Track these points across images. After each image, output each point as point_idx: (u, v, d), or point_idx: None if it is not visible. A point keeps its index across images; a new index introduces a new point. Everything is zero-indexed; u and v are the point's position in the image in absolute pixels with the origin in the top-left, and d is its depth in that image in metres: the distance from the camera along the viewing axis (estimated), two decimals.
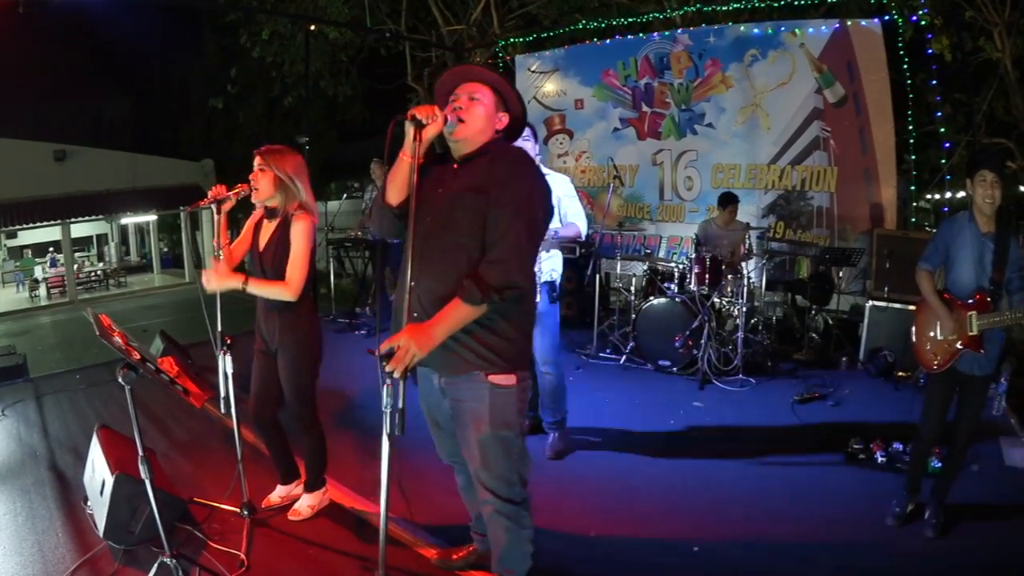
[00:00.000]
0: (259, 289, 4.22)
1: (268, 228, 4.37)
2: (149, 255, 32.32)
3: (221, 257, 4.34)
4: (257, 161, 4.26)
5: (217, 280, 4.17)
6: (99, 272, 28.26)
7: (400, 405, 2.79)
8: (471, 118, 3.14)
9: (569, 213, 5.66)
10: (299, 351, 4.34)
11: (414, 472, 5.04)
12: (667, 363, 7.95)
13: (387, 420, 2.79)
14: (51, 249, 26.93)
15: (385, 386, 2.79)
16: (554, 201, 5.50)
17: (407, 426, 2.78)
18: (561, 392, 5.71)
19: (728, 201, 8.88)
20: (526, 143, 5.48)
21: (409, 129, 2.96)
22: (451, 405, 3.28)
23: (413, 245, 3.00)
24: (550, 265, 5.63)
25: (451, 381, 3.22)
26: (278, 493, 4.79)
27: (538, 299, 5.34)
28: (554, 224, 5.55)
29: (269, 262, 4.28)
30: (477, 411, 3.17)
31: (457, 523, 4.16)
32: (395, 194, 3.21)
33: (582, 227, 5.66)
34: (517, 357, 3.22)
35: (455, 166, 3.23)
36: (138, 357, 3.50)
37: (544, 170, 5.57)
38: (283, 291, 4.20)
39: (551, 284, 5.65)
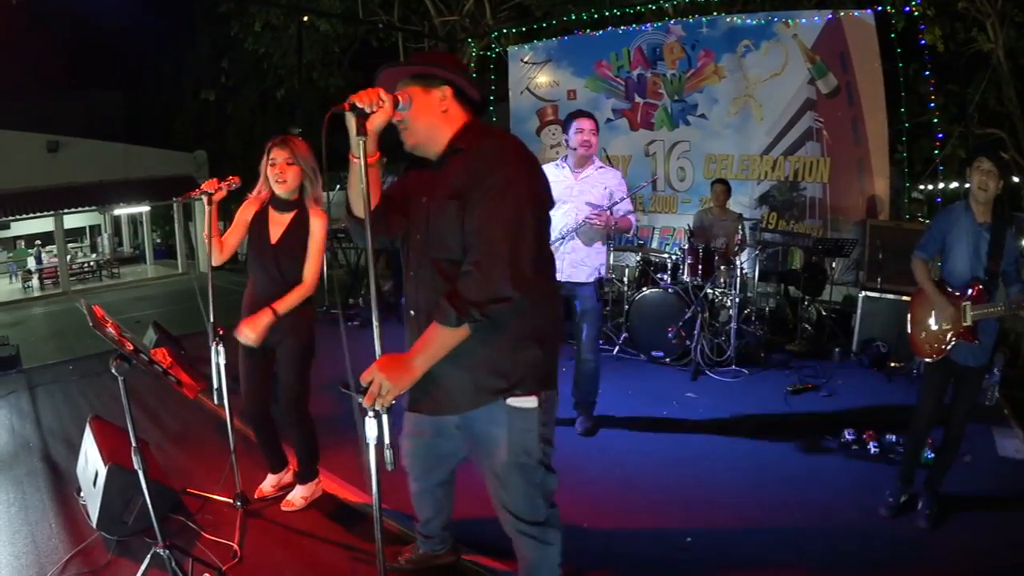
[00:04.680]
0: (287, 305, 4.21)
1: (280, 221, 4.32)
2: (142, 246, 32.21)
3: (211, 248, 4.34)
4: (283, 155, 4.21)
5: (252, 330, 4.15)
6: (92, 263, 28.18)
7: (387, 440, 2.48)
8: (408, 122, 2.75)
9: (623, 207, 5.74)
10: (302, 346, 4.35)
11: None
12: (660, 354, 7.97)
13: (370, 454, 2.49)
14: (38, 242, 26.83)
15: (366, 419, 2.47)
16: (604, 193, 5.60)
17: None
18: (597, 378, 5.98)
19: (715, 182, 9.13)
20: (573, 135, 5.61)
21: (350, 120, 2.49)
22: (460, 424, 2.97)
23: (407, 269, 2.86)
24: (598, 260, 5.78)
25: None
26: (269, 482, 4.79)
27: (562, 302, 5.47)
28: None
29: (286, 255, 4.26)
30: (493, 435, 2.86)
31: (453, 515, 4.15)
32: (359, 204, 2.73)
33: (633, 219, 5.83)
34: (540, 376, 2.84)
35: (436, 169, 2.84)
36: (131, 348, 3.49)
37: (599, 163, 5.69)
38: (304, 293, 4.25)
39: (599, 281, 5.86)
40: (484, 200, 2.58)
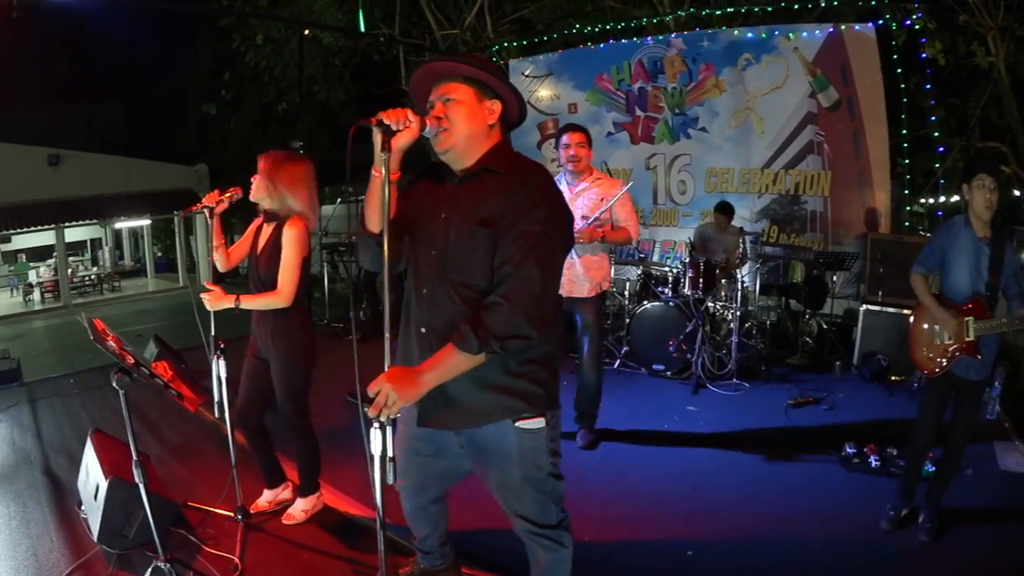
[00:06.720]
0: (251, 303, 4.25)
1: (266, 232, 4.40)
2: (143, 259, 32.23)
3: (215, 258, 4.40)
4: (259, 166, 4.28)
5: (214, 301, 4.21)
6: (93, 276, 28.16)
7: (391, 454, 2.46)
8: (451, 124, 2.69)
9: (620, 218, 5.74)
10: (291, 357, 4.34)
11: None
12: (661, 367, 7.97)
13: (375, 467, 2.47)
14: (55, 253, 26.82)
15: (371, 430, 2.46)
16: (603, 205, 5.59)
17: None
18: (599, 392, 5.97)
19: (724, 210, 9.00)
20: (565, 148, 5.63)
21: (376, 136, 2.48)
22: (465, 445, 2.97)
23: (418, 285, 2.82)
24: (601, 275, 5.79)
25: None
26: (265, 498, 4.80)
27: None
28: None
29: (263, 265, 4.31)
30: (503, 455, 2.88)
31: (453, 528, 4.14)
32: (376, 219, 2.73)
33: (633, 231, 5.80)
34: (547, 398, 2.87)
35: (456, 184, 2.81)
36: (132, 361, 3.49)
37: (597, 174, 5.75)
38: (274, 300, 4.22)
39: (601, 296, 5.90)
40: (523, 238, 2.59)
